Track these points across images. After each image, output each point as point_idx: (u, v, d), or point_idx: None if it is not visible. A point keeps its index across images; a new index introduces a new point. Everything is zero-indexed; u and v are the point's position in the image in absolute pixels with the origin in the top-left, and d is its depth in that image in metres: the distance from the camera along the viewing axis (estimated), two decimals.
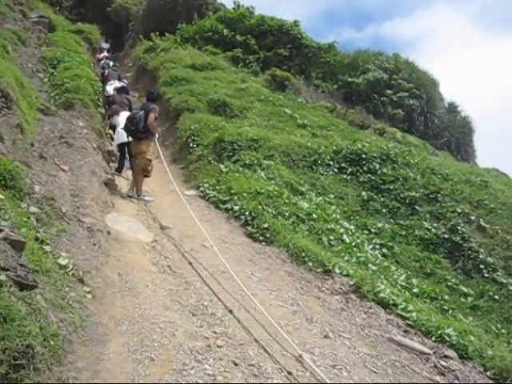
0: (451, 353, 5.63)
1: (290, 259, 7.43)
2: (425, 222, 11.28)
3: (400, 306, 6.46)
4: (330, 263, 7.26)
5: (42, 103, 9.87)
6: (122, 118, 11.06)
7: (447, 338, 5.92)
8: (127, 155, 11.49)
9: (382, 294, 6.59)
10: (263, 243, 7.95)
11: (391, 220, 11.42)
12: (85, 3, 32.83)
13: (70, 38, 18.03)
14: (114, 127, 12.63)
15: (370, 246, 9.76)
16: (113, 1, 31.69)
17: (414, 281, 8.80)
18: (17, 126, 7.20)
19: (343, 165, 12.91)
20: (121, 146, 11.66)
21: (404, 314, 6.31)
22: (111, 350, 3.93)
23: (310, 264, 7.24)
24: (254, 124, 14.50)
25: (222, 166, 10.99)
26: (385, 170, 12.79)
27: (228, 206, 9.27)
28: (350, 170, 12.79)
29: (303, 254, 7.42)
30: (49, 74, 12.69)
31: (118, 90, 13.54)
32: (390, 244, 10.31)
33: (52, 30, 18.94)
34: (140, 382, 3.72)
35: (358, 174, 12.72)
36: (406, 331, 5.95)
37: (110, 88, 14.70)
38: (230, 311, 5.37)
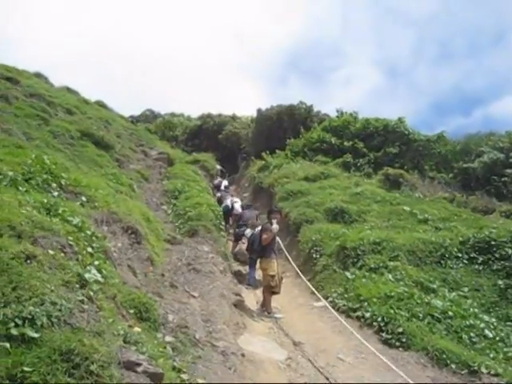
0: None
1: (431, 363, 7.18)
2: None
3: None
4: (476, 363, 6.95)
5: (168, 234, 10.67)
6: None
7: None
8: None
9: None
10: (400, 349, 7.77)
11: None
12: (198, 134, 35.94)
13: (187, 168, 19.63)
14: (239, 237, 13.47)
15: None
16: (223, 128, 34.25)
17: None
18: (147, 259, 7.84)
19: (473, 255, 12.41)
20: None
21: None
22: None
23: (454, 366, 6.97)
24: (374, 226, 14.49)
25: (347, 274, 11.04)
26: None
27: (359, 313, 9.22)
28: (480, 259, 12.25)
29: (444, 356, 7.17)
30: (172, 205, 13.74)
31: (245, 207, 14.60)
32: None
33: (171, 163, 20.71)
34: None
35: (490, 262, 12.12)
36: None
37: (238, 206, 15.71)
38: None
